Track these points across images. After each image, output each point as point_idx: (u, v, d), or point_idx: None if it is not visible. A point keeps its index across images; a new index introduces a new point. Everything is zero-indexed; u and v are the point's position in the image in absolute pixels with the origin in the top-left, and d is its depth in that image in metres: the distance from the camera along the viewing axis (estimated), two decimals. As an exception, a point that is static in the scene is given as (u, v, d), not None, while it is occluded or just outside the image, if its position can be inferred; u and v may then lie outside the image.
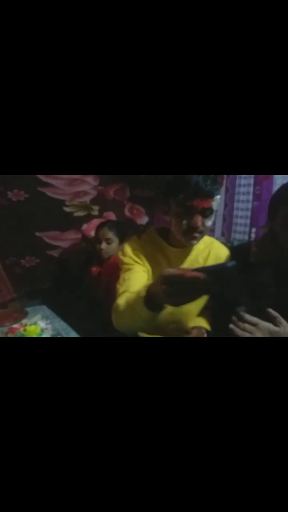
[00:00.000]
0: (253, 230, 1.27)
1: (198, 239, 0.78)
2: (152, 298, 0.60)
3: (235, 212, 1.39)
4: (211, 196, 0.71)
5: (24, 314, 1.11)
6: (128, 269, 0.85)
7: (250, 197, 1.36)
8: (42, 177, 1.40)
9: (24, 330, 0.80)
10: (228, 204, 1.39)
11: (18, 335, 0.78)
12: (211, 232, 1.48)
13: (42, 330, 0.86)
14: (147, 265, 0.85)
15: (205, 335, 0.78)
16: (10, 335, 0.79)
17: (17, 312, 1.16)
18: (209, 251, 0.86)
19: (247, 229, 1.27)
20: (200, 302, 0.86)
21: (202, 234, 0.77)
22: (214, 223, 1.01)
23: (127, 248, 0.88)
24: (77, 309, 1.42)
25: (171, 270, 0.55)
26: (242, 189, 1.41)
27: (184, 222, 0.74)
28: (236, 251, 0.90)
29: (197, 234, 0.76)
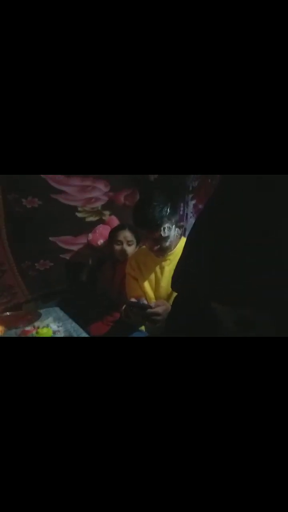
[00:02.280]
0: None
1: (162, 254, 1.01)
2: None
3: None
4: (157, 228, 0.92)
5: (38, 316, 1.16)
6: (132, 278, 1.11)
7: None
8: (55, 184, 1.46)
9: (37, 333, 0.84)
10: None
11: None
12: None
13: (54, 333, 0.90)
14: (144, 272, 1.09)
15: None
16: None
17: (30, 314, 1.22)
18: None
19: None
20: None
21: (163, 250, 0.99)
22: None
23: (132, 260, 1.13)
24: (90, 310, 1.46)
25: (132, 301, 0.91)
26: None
27: (147, 245, 1.00)
28: None
29: (158, 252, 0.99)
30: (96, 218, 1.63)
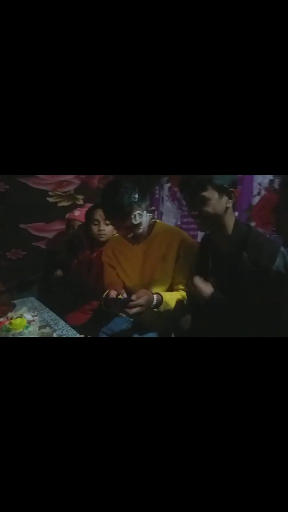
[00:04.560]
0: (236, 213, 1.30)
1: (137, 241, 0.97)
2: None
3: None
4: (128, 215, 0.88)
5: (12, 307, 1.11)
6: (110, 266, 1.09)
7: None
8: (22, 167, 1.36)
9: (10, 323, 0.80)
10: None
11: (4, 329, 0.79)
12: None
13: (29, 323, 0.86)
14: (121, 260, 1.06)
15: (154, 301, 0.89)
16: (-5, 329, 0.79)
17: (4, 305, 1.16)
18: (171, 237, 1.01)
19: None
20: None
21: (138, 238, 0.96)
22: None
23: (107, 249, 1.10)
24: (67, 299, 1.42)
25: (111, 295, 0.89)
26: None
27: (120, 233, 0.97)
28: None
29: (132, 240, 0.96)
30: (69, 202, 1.56)
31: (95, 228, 1.28)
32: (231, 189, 0.76)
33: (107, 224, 1.26)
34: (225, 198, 0.77)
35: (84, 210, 1.45)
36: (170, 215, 1.60)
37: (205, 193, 0.75)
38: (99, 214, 1.26)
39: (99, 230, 1.27)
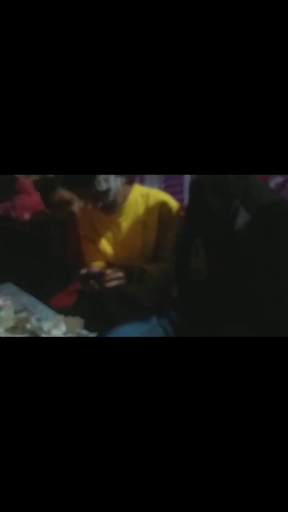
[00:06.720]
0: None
1: (111, 210, 0.87)
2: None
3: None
4: (89, 182, 0.77)
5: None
6: (90, 240, 0.98)
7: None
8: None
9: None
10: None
11: None
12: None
13: (1, 307, 0.78)
14: (102, 232, 0.95)
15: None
16: None
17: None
18: (150, 201, 0.90)
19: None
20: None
21: (110, 207, 0.85)
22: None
23: (84, 221, 0.99)
24: (47, 281, 1.29)
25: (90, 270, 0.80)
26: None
27: (89, 204, 0.88)
28: None
29: (105, 210, 0.86)
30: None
31: (59, 214, 1.11)
32: None
33: (71, 204, 1.08)
34: None
35: (17, 208, 1.26)
36: (153, 179, 1.47)
37: None
38: (58, 197, 1.07)
39: (66, 214, 1.10)
